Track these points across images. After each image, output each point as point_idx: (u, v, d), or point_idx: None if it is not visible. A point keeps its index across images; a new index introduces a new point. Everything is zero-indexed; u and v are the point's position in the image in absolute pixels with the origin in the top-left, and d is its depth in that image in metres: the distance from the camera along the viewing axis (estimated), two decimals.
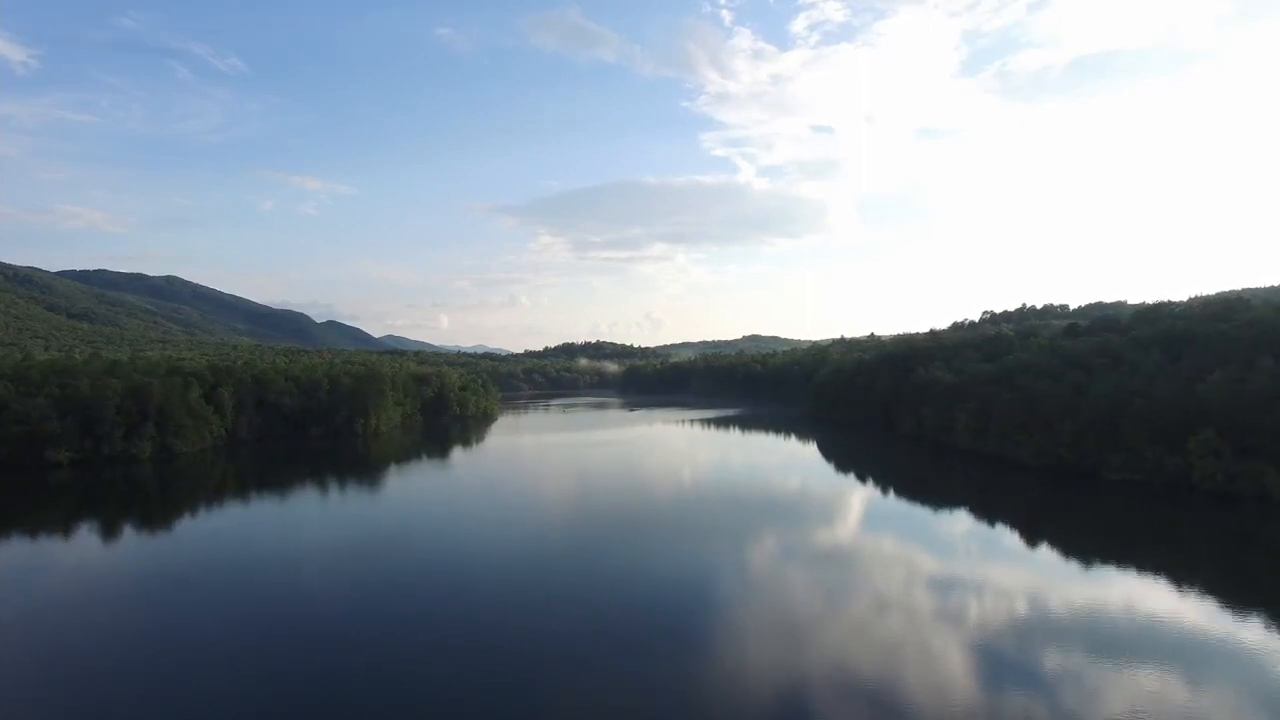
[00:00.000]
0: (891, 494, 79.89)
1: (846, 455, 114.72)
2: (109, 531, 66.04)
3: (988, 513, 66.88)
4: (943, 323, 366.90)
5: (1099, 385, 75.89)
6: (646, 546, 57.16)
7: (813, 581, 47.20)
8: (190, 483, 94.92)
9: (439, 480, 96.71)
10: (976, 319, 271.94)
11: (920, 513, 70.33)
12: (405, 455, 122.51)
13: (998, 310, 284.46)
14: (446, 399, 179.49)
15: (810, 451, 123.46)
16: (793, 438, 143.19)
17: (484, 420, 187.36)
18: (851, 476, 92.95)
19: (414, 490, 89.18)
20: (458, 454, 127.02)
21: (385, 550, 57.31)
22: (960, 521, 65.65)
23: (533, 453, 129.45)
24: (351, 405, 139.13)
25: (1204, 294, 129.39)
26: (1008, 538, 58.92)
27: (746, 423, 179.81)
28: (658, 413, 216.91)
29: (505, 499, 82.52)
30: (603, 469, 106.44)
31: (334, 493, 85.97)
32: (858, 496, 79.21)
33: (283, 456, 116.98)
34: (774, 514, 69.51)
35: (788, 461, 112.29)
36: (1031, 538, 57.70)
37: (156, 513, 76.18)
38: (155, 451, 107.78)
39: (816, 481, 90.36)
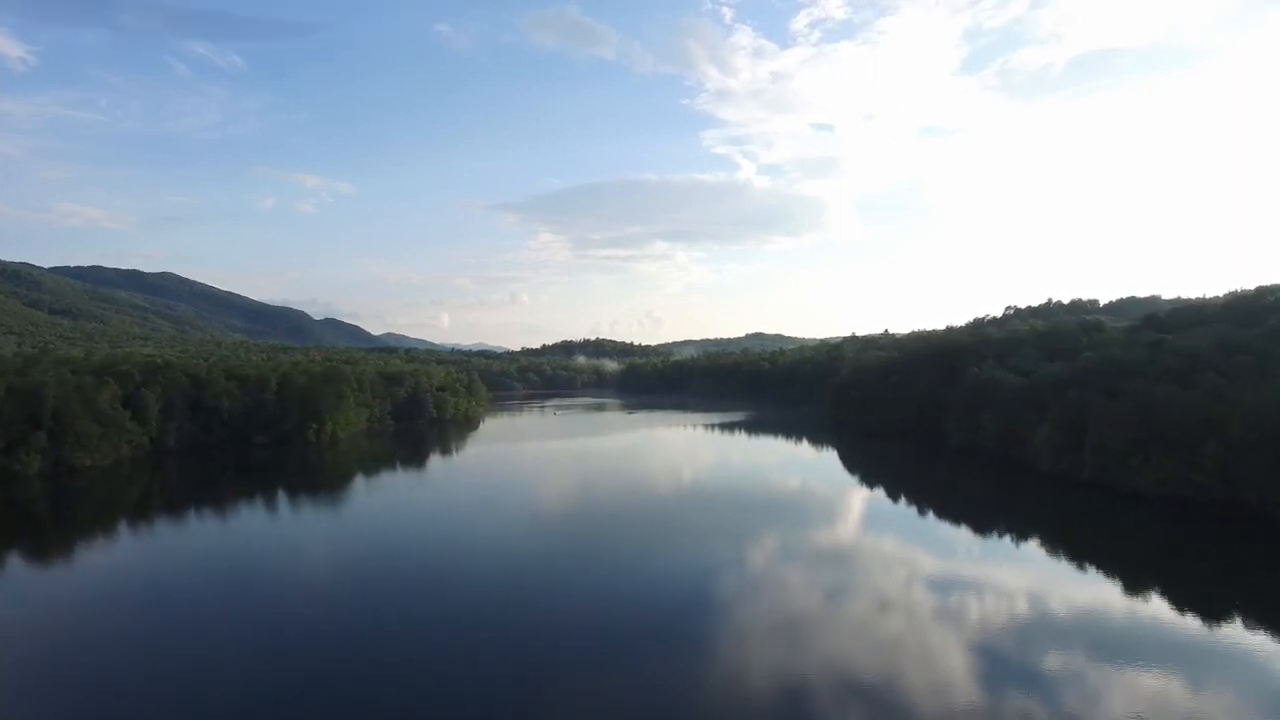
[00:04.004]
0: (982, 534, 60.27)
1: (897, 477, 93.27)
2: None
3: (1123, 572, 47.22)
4: (953, 319, 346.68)
5: (1257, 392, 56.13)
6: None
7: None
8: (91, 503, 77.41)
9: (380, 504, 77.43)
10: (999, 314, 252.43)
11: (1033, 567, 50.88)
12: (358, 470, 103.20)
13: (1021, 305, 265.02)
14: (423, 400, 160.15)
15: (848, 470, 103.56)
16: (823, 450, 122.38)
17: (464, 425, 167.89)
18: (920, 511, 70.84)
19: (343, 519, 70.11)
20: (402, 471, 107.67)
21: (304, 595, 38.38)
22: (1088, 582, 46.07)
23: (508, 465, 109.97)
24: (303, 408, 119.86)
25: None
26: (1176, 615, 39.35)
27: (760, 428, 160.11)
28: (658, 415, 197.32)
29: (448, 552, 63.19)
30: (599, 490, 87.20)
31: (253, 518, 66.94)
32: (943, 547, 59.55)
33: (216, 469, 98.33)
34: (836, 571, 50.04)
35: (831, 485, 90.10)
36: (1205, 615, 38.15)
37: (43, 542, 60.71)
38: (49, 466, 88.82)
39: (879, 520, 69.68)
